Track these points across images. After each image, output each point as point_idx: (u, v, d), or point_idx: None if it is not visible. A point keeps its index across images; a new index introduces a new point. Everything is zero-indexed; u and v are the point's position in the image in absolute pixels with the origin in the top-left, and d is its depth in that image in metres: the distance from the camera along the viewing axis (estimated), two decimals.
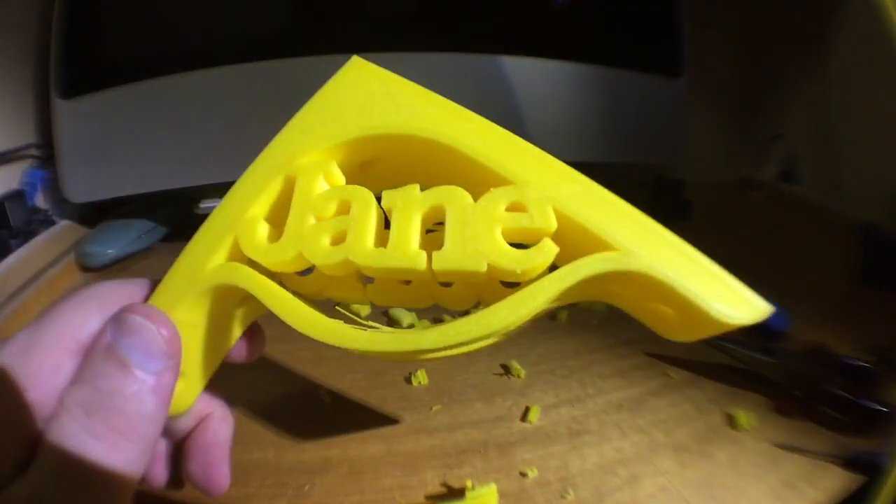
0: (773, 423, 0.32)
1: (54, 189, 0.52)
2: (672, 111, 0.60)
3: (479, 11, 0.55)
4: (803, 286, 0.48)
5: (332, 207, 0.16)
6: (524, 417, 0.32)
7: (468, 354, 0.38)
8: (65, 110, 0.47)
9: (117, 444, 0.13)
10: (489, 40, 0.53)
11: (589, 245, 0.14)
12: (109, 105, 0.47)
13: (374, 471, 0.29)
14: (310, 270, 0.18)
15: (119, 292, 0.16)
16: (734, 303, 0.15)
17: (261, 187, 0.17)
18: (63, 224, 0.55)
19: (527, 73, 0.53)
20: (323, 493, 0.27)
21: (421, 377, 0.35)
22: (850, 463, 0.29)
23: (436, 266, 0.15)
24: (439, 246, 0.15)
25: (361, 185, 0.17)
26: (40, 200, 0.54)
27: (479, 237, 0.15)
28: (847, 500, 0.27)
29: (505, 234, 0.15)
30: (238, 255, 0.17)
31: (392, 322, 0.42)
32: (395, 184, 0.17)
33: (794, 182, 0.71)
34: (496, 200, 0.15)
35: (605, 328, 0.42)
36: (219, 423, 0.19)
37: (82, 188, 0.49)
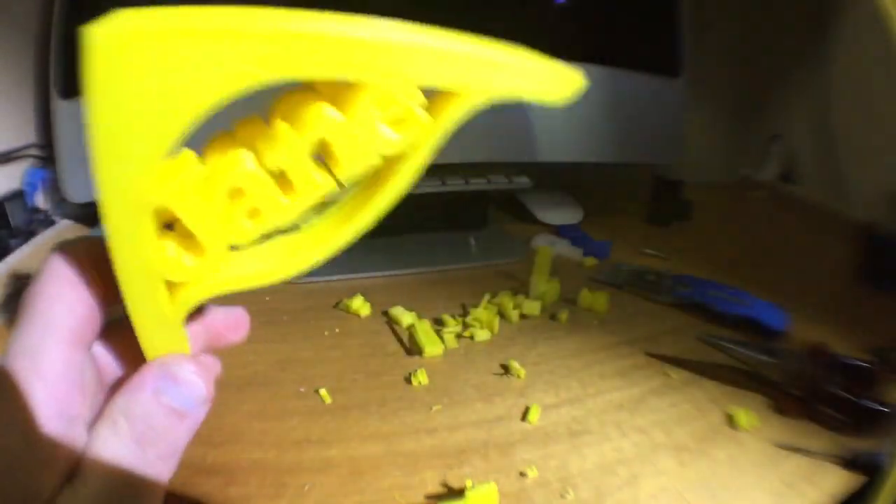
0: (773, 423, 0.32)
1: (54, 189, 0.52)
2: (672, 111, 0.60)
3: (479, 11, 0.55)
4: (803, 286, 0.48)
5: (227, 199, 0.16)
6: (524, 417, 0.32)
7: (468, 355, 0.38)
8: (65, 110, 0.47)
9: (163, 469, 0.16)
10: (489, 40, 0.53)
11: (447, 96, 0.16)
12: None
13: (374, 471, 0.29)
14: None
15: (81, 267, 0.17)
16: (558, 84, 0.18)
17: (141, 233, 0.16)
18: (63, 224, 0.55)
19: None
20: (323, 493, 0.27)
21: (421, 377, 0.35)
22: (850, 463, 0.29)
23: (342, 179, 0.16)
24: (334, 160, 0.16)
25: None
26: (40, 200, 0.54)
27: (366, 143, 0.16)
28: (847, 500, 0.27)
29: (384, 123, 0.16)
30: (174, 286, 0.17)
31: (392, 322, 0.42)
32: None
33: (794, 182, 0.71)
34: (364, 108, 0.16)
35: (605, 328, 0.42)
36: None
37: (82, 188, 0.49)
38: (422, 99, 0.16)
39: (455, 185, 0.54)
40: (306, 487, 0.28)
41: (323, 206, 0.18)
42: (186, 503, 0.26)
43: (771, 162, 0.75)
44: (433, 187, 0.53)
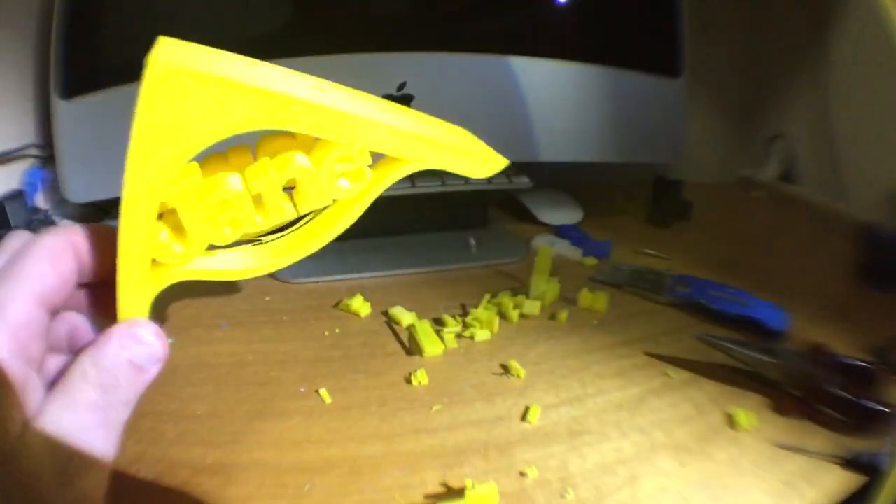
0: (773, 423, 0.32)
1: (54, 189, 0.52)
2: (672, 111, 0.60)
3: (479, 12, 0.55)
4: (803, 286, 0.48)
5: (217, 209, 0.21)
6: (524, 417, 0.32)
7: (469, 354, 0.38)
8: (65, 110, 0.47)
9: (121, 413, 0.19)
10: (490, 41, 0.54)
11: (390, 160, 0.23)
12: (109, 105, 0.47)
13: (374, 471, 0.29)
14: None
15: (62, 244, 0.20)
16: (483, 164, 0.24)
17: (145, 219, 0.20)
18: (63, 224, 0.55)
19: (528, 73, 0.54)
20: (323, 493, 0.27)
21: (421, 377, 0.35)
22: (850, 463, 0.29)
23: (302, 211, 0.22)
24: (300, 196, 0.22)
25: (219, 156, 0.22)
26: (40, 200, 0.54)
27: (323, 190, 0.22)
28: (847, 500, 0.27)
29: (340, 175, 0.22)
30: (158, 265, 0.22)
31: (392, 322, 0.42)
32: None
33: (794, 182, 0.71)
34: (330, 163, 0.21)
35: (605, 328, 0.42)
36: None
37: (82, 188, 0.49)
38: (369, 160, 0.22)
39: (455, 185, 0.54)
40: (306, 487, 0.28)
41: (282, 229, 0.23)
42: (186, 503, 0.26)
43: (771, 162, 0.75)
44: (433, 187, 0.53)
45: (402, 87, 0.50)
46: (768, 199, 0.72)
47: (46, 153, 0.53)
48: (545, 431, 0.32)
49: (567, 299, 0.46)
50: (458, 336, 0.40)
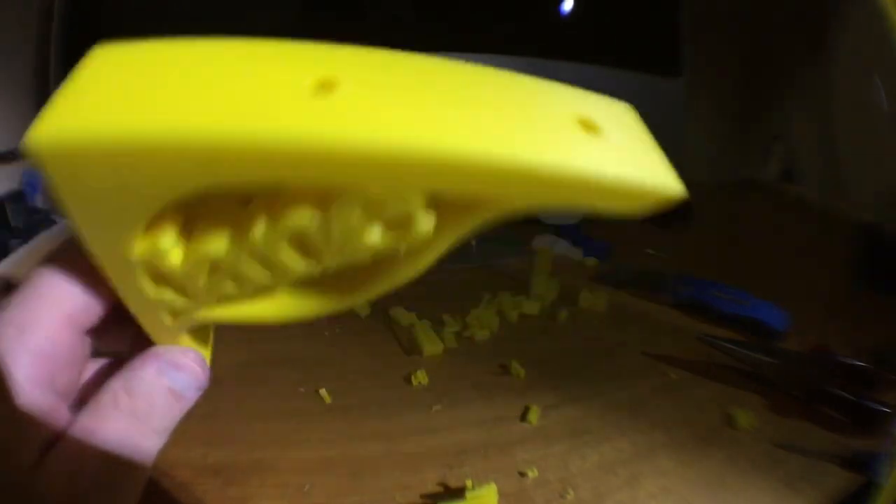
0: (773, 423, 0.32)
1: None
2: (672, 111, 0.60)
3: (479, 13, 0.55)
4: (803, 286, 0.48)
5: (209, 271, 0.16)
6: (524, 417, 0.32)
7: (469, 354, 0.38)
8: None
9: (156, 442, 0.17)
10: (490, 41, 0.54)
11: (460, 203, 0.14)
12: None
13: (374, 471, 0.29)
14: None
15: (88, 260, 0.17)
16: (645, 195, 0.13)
17: (134, 279, 0.16)
18: (63, 224, 0.55)
19: (527, 73, 0.53)
20: (323, 493, 0.27)
21: (421, 377, 0.35)
22: (850, 463, 0.29)
23: (327, 265, 0.16)
24: (313, 249, 0.15)
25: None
26: (40, 200, 0.54)
27: (345, 243, 0.14)
28: (847, 500, 0.27)
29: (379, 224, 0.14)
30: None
31: (392, 323, 0.42)
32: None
33: (794, 182, 0.71)
34: (347, 210, 0.13)
35: (605, 328, 0.42)
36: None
37: None
38: (422, 202, 0.14)
39: None
40: (306, 487, 0.28)
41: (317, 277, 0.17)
42: (186, 503, 0.26)
43: (771, 162, 0.75)
44: None
45: None
46: (768, 199, 0.72)
47: None
48: (545, 431, 0.32)
49: (567, 299, 0.46)
50: (458, 336, 0.40)
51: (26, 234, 0.50)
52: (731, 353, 0.36)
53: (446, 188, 0.12)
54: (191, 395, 0.18)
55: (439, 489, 0.28)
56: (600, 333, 0.42)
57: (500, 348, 0.39)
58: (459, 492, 0.27)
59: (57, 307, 0.16)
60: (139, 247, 0.14)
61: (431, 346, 0.38)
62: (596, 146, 0.12)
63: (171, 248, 0.15)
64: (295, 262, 0.16)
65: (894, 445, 0.28)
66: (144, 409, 0.17)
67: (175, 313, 0.18)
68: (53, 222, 0.54)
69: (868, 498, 0.24)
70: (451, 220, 0.14)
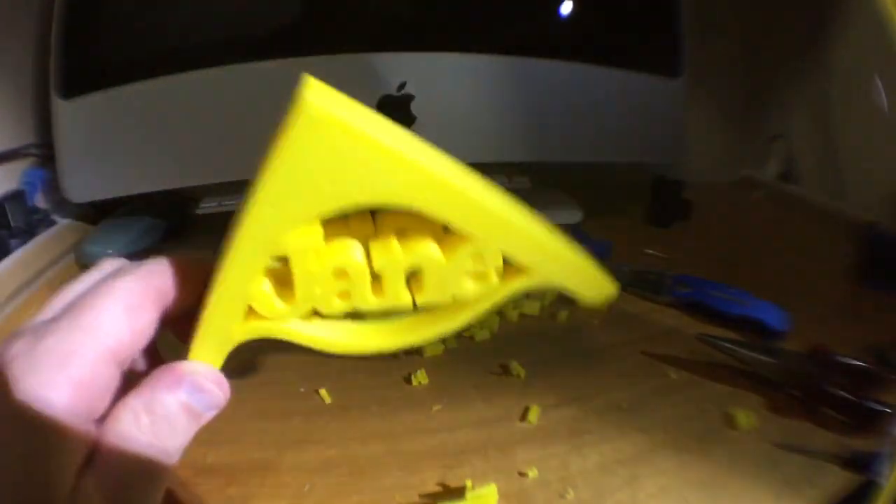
0: (773, 423, 0.32)
1: (54, 189, 0.52)
2: (672, 111, 0.60)
3: (479, 12, 0.55)
4: (803, 286, 0.48)
5: (332, 275, 0.19)
6: (524, 417, 0.32)
7: (469, 354, 0.38)
8: (65, 110, 0.47)
9: (173, 457, 0.18)
10: (490, 41, 0.53)
11: (514, 268, 0.21)
12: (109, 105, 0.47)
13: (374, 471, 0.29)
14: None
15: (142, 290, 0.18)
16: (596, 288, 0.24)
17: (255, 265, 0.18)
18: (63, 224, 0.55)
19: (527, 73, 0.53)
20: (323, 493, 0.27)
21: (421, 377, 0.35)
22: (850, 463, 0.29)
23: (419, 302, 0.20)
24: (419, 285, 0.20)
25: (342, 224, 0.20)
26: (40, 200, 0.54)
27: (448, 284, 0.20)
28: (847, 500, 0.27)
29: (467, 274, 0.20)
30: (253, 315, 0.20)
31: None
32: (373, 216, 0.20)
33: (794, 182, 0.71)
34: (462, 259, 0.19)
35: (605, 328, 0.42)
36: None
37: (82, 188, 0.49)
38: (500, 264, 0.20)
39: None
40: (306, 487, 0.28)
41: (387, 313, 0.21)
42: (186, 503, 0.26)
43: (771, 162, 0.75)
44: None
45: (402, 87, 0.50)
46: (768, 199, 0.72)
47: (46, 153, 0.53)
48: (545, 431, 0.32)
49: (567, 299, 0.46)
50: (458, 336, 0.40)
51: (26, 234, 0.50)
52: (731, 353, 0.36)
53: (515, 252, 0.20)
54: (210, 415, 0.19)
55: (439, 489, 0.28)
56: (600, 333, 0.42)
57: (500, 348, 0.39)
58: (459, 492, 0.27)
59: (101, 341, 0.17)
60: (292, 241, 0.18)
61: (432, 345, 0.38)
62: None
63: (320, 249, 0.19)
64: (402, 291, 0.20)
65: (894, 445, 0.28)
66: (165, 431, 0.17)
67: (261, 310, 0.19)
68: (53, 222, 0.54)
69: (868, 498, 0.24)
70: (507, 279, 0.21)
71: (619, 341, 0.40)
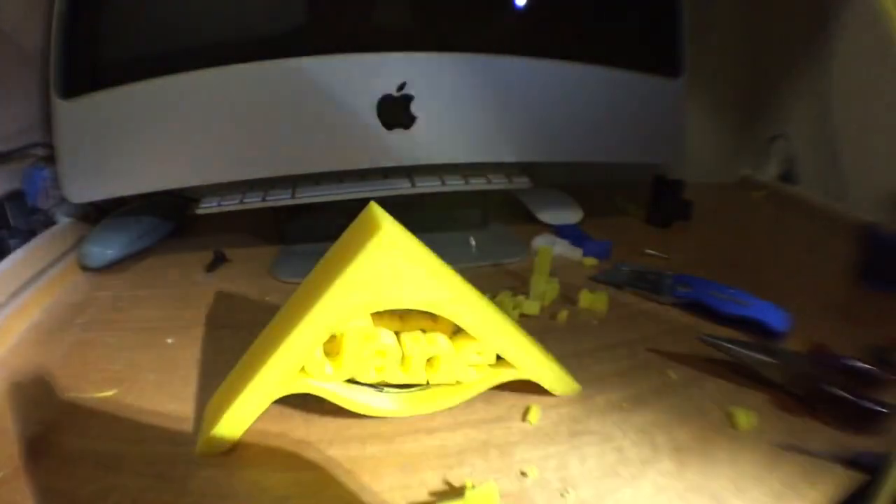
0: (773, 423, 0.32)
1: (54, 189, 0.52)
2: (672, 111, 0.60)
3: (479, 12, 0.55)
4: (803, 286, 0.48)
5: (374, 353, 0.29)
6: (524, 417, 0.32)
7: None
8: (65, 110, 0.47)
9: None
10: (490, 41, 0.53)
11: (504, 364, 0.32)
12: (109, 105, 0.47)
13: (374, 471, 0.29)
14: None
15: None
16: (564, 385, 0.33)
17: (318, 338, 0.27)
18: (63, 224, 0.55)
19: (528, 73, 0.53)
20: (323, 493, 0.27)
21: None
22: (850, 463, 0.29)
23: (431, 382, 0.31)
24: (433, 368, 0.31)
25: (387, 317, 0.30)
26: (40, 200, 0.54)
27: (456, 371, 0.31)
28: (847, 500, 0.27)
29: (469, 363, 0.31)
30: (301, 374, 0.29)
31: None
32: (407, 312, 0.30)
33: (794, 182, 0.71)
34: (469, 351, 0.30)
35: (605, 328, 0.42)
36: None
37: (82, 188, 0.49)
38: (493, 360, 0.31)
39: (455, 184, 0.54)
40: (306, 487, 0.28)
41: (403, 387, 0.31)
42: (186, 503, 0.26)
43: (771, 162, 0.75)
44: (433, 187, 0.53)
45: (402, 87, 0.50)
46: (768, 199, 0.72)
47: (47, 153, 0.53)
48: (545, 431, 0.32)
49: (567, 299, 0.46)
50: None
51: (26, 234, 0.50)
52: (731, 353, 0.36)
53: (505, 353, 0.31)
54: None
55: (439, 489, 0.28)
56: (600, 333, 0.42)
57: None
58: (459, 492, 0.27)
59: None
60: (351, 327, 0.28)
61: None
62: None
63: (369, 334, 0.29)
64: (422, 371, 0.30)
65: (894, 445, 0.28)
66: None
67: (312, 372, 0.28)
68: (53, 222, 0.54)
69: (868, 498, 0.24)
70: (496, 372, 0.32)
71: (619, 341, 0.40)
